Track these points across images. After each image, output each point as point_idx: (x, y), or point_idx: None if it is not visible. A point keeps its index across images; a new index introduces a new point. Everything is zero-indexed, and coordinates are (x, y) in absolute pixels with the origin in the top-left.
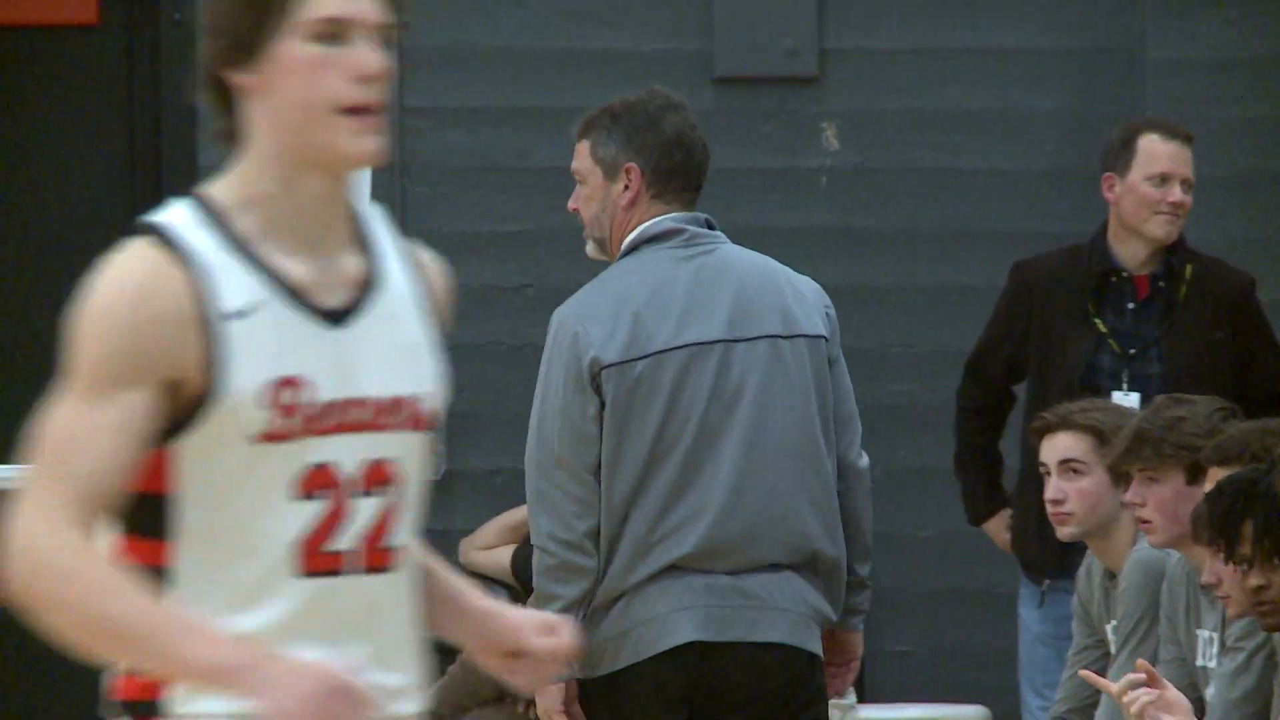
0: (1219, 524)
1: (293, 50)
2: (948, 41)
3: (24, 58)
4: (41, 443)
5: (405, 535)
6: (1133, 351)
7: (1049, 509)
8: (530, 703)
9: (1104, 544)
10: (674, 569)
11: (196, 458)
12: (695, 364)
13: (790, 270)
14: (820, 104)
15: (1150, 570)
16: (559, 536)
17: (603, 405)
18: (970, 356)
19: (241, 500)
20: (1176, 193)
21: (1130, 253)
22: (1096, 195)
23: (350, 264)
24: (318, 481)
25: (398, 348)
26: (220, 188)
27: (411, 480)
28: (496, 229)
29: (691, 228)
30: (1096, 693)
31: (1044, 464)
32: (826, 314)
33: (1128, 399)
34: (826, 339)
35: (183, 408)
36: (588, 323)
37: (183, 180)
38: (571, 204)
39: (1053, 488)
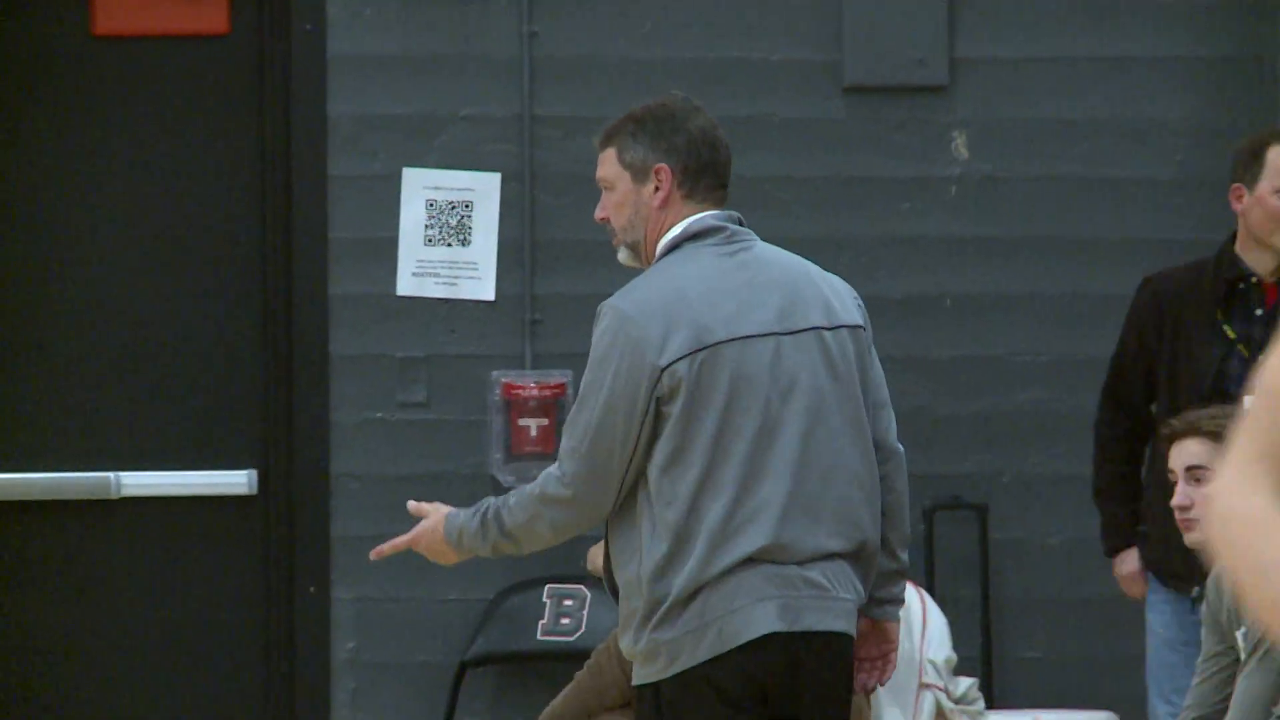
0: None
1: None
2: (1077, 50)
3: (155, 67)
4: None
5: None
6: (1261, 358)
7: (1176, 515)
8: None
9: None
10: (748, 561)
11: None
12: (752, 356)
13: (818, 267)
14: (950, 113)
15: None
16: (538, 527)
17: (658, 403)
18: (1106, 382)
19: None
20: None
21: (1258, 260)
22: (1225, 204)
23: None
24: None
25: None
26: None
27: None
28: None
29: (731, 225)
30: (1226, 699)
31: (1172, 470)
32: (859, 305)
33: None
34: (865, 329)
35: None
36: (646, 320)
37: (313, 190)
38: (599, 214)
39: (1179, 493)
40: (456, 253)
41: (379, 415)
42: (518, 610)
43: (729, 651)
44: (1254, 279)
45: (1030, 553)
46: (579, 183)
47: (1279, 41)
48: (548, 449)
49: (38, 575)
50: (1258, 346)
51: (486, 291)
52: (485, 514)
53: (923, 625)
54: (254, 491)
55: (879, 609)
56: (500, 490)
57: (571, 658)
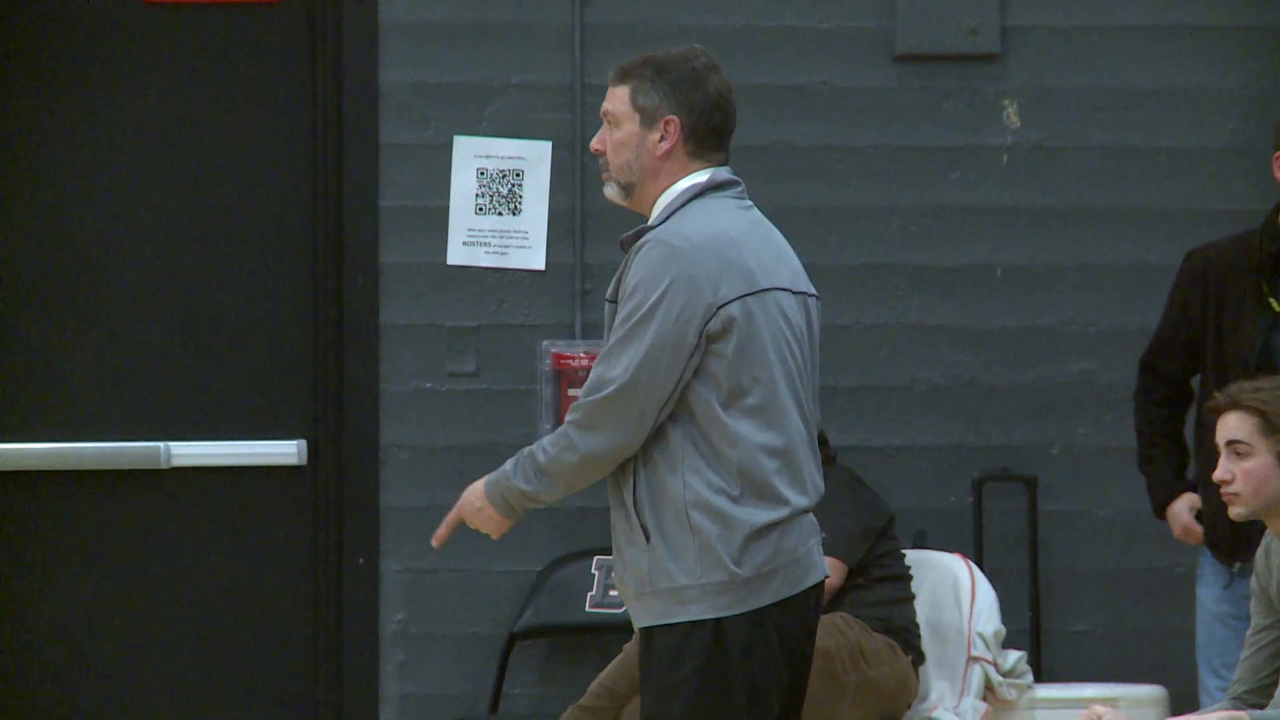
0: None
1: None
2: (1129, 18)
3: (207, 35)
4: None
5: None
6: None
7: (1221, 489)
8: None
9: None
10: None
11: None
12: (787, 306)
13: None
14: (1001, 82)
15: None
16: (592, 446)
17: (707, 340)
18: (1145, 353)
19: None
20: None
21: None
22: None
23: None
24: None
25: None
26: None
27: None
28: None
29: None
30: (1275, 672)
31: (1216, 444)
32: None
33: None
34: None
35: None
36: (700, 256)
37: (365, 158)
38: (595, 145)
39: (1220, 468)
40: (507, 222)
41: (429, 385)
42: (567, 582)
43: (794, 595)
44: None
45: (1079, 525)
46: None
47: None
48: None
49: (88, 544)
50: None
51: (537, 261)
52: (519, 457)
53: (971, 598)
54: (304, 462)
55: None
56: None
57: (620, 630)
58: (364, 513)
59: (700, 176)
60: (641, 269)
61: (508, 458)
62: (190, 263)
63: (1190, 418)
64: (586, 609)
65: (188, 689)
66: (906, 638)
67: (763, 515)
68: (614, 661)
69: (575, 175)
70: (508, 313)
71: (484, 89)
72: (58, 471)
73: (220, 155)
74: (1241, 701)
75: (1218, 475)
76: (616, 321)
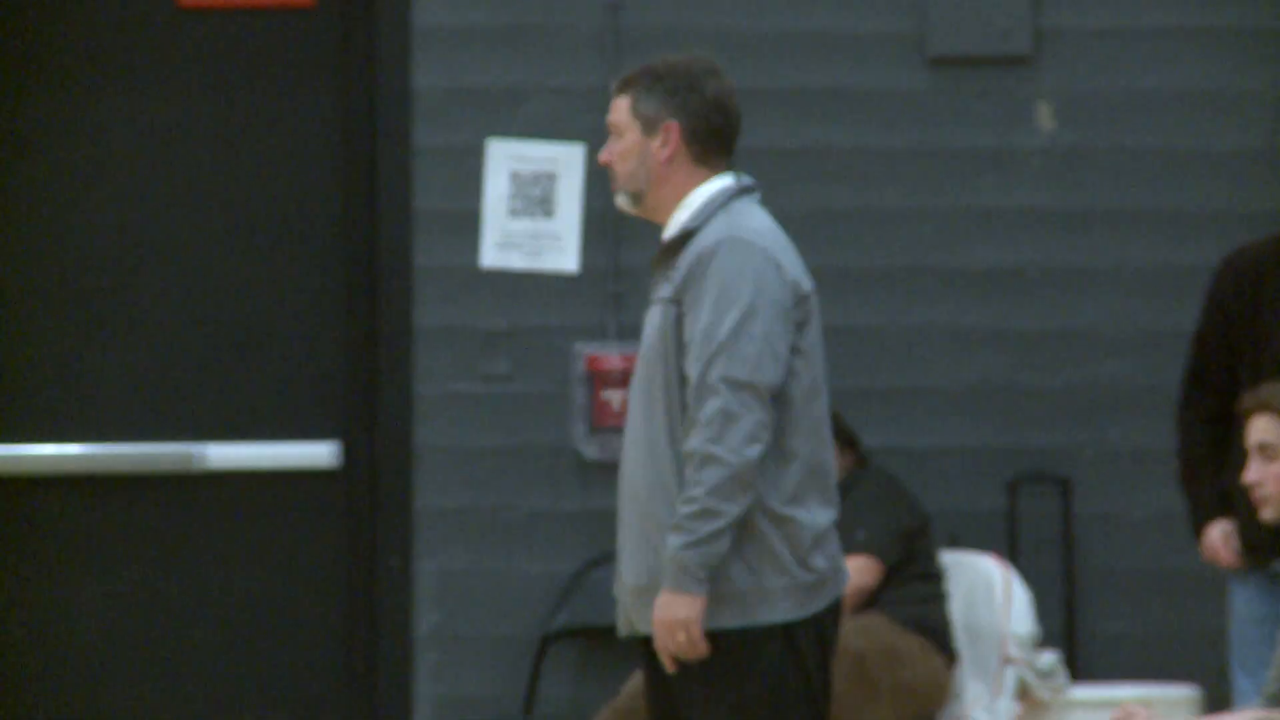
0: None
1: None
2: (1162, 20)
3: (240, 39)
4: None
5: None
6: None
7: (1252, 492)
8: None
9: None
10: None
11: None
12: (817, 307)
13: None
14: (1034, 84)
15: None
16: (739, 452)
17: (797, 332)
18: (1188, 365)
19: None
20: None
21: None
22: None
23: None
24: None
25: None
26: None
27: None
28: None
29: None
30: None
31: (1247, 446)
32: None
33: None
34: None
35: None
36: (776, 250)
37: (399, 162)
38: (604, 157)
39: (1250, 470)
40: (540, 224)
41: (462, 388)
42: (601, 583)
43: (837, 600)
44: None
45: (1114, 526)
46: None
47: None
48: None
49: (121, 548)
50: None
51: (570, 263)
52: (672, 533)
53: (1006, 599)
54: (338, 464)
55: None
56: (582, 462)
57: None
58: (398, 515)
59: (726, 179)
60: (727, 267)
61: (541, 460)
62: (224, 266)
63: None
64: None
65: (222, 691)
66: (940, 638)
67: (825, 516)
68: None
69: (608, 178)
70: (541, 315)
71: (517, 92)
72: (91, 475)
73: (254, 159)
74: (1275, 701)
75: (1248, 478)
76: (706, 322)
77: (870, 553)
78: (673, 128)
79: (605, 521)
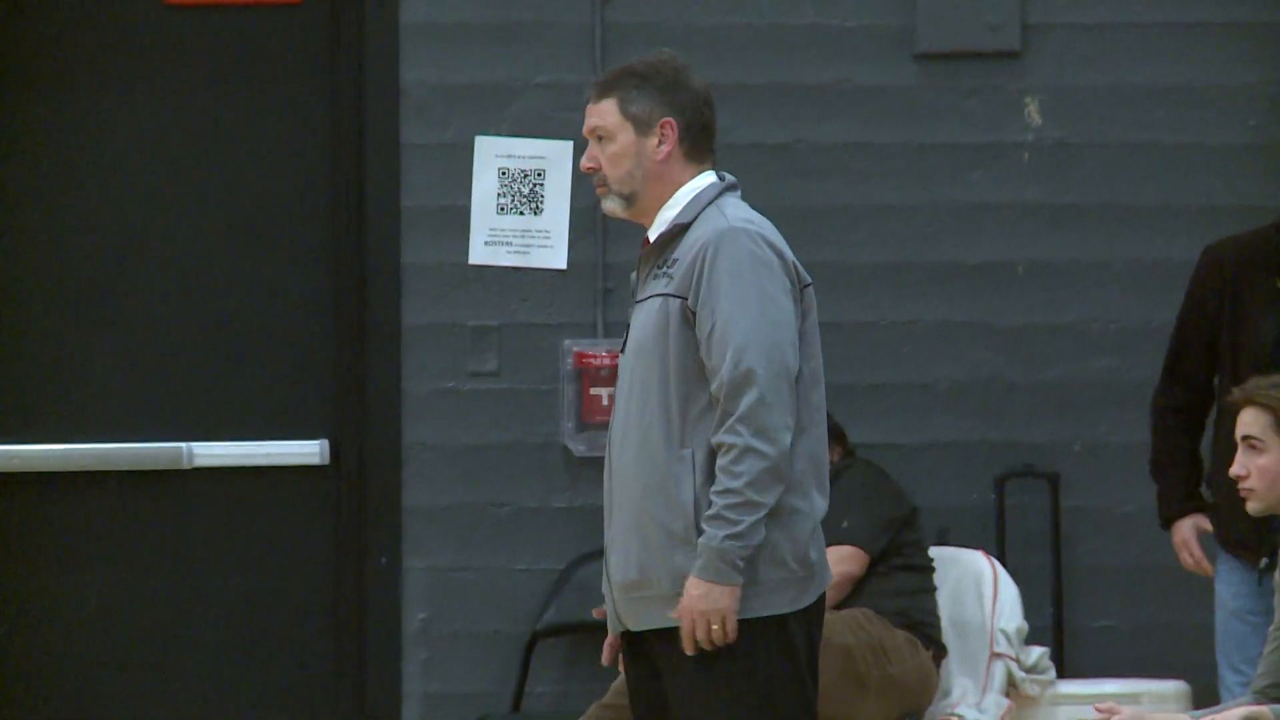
0: None
1: None
2: (1150, 15)
3: (228, 36)
4: None
5: None
6: None
7: (1237, 485)
8: None
9: None
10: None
11: None
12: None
13: None
14: (1023, 79)
15: None
16: (778, 442)
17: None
18: (1167, 356)
19: None
20: None
21: None
22: None
23: None
24: None
25: None
26: None
27: None
28: None
29: None
30: None
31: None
32: None
33: None
34: None
35: None
36: (777, 240)
37: (387, 159)
38: (586, 164)
39: (1236, 463)
40: (529, 221)
41: (451, 385)
42: (589, 580)
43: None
44: None
45: (1102, 521)
46: None
47: None
48: None
49: (111, 545)
50: None
51: (558, 260)
52: (709, 522)
53: (994, 594)
54: (326, 461)
55: None
56: (571, 458)
57: None
58: (386, 512)
59: (711, 176)
60: (736, 258)
61: (529, 457)
62: (212, 264)
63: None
64: None
65: (211, 688)
66: (927, 630)
67: (822, 505)
68: None
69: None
70: (529, 312)
71: (505, 89)
72: (81, 472)
73: (241, 156)
74: (1264, 696)
75: (1233, 470)
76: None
77: (855, 542)
78: (670, 124)
79: (594, 518)
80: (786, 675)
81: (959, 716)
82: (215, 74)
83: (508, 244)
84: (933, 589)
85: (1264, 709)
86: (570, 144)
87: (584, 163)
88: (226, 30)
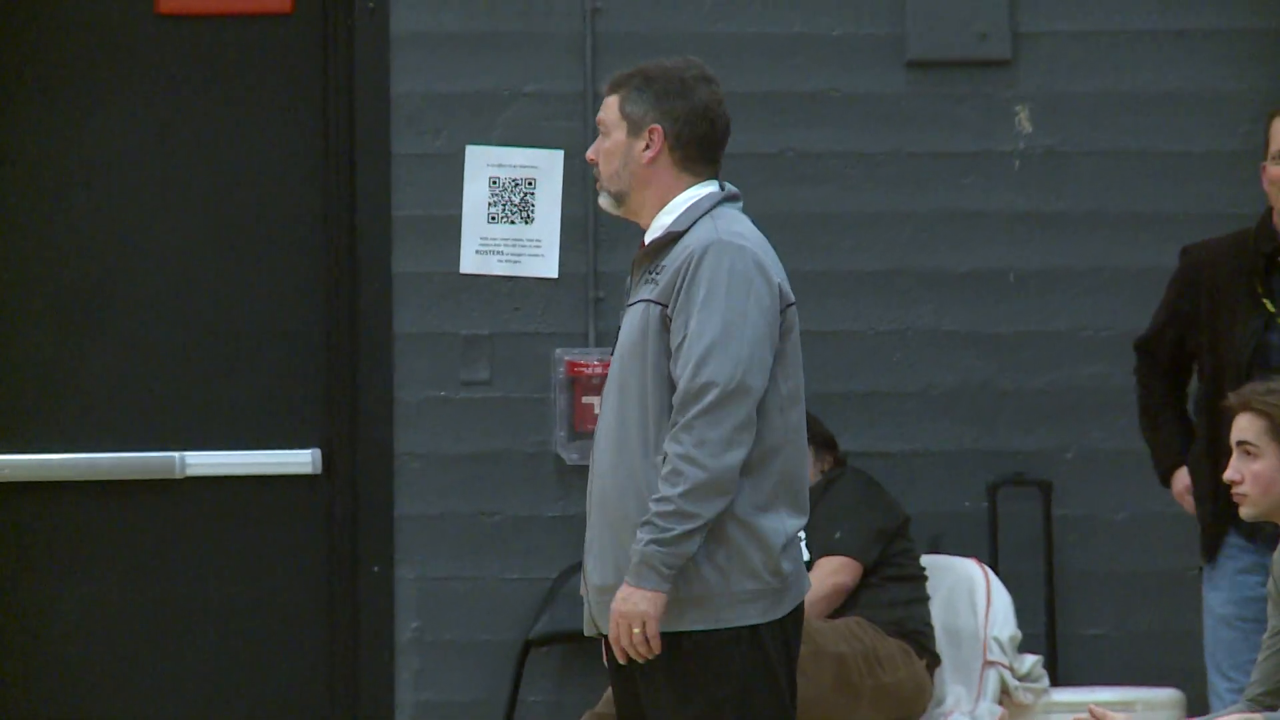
0: None
1: None
2: (1140, 23)
3: (219, 47)
4: None
5: None
6: None
7: (1231, 490)
8: None
9: None
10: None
11: None
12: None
13: None
14: (1013, 87)
15: None
16: (720, 456)
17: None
18: (1139, 339)
19: None
20: None
21: None
22: None
23: None
24: None
25: None
26: None
27: None
28: None
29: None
30: None
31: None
32: None
33: None
34: None
35: None
36: (764, 255)
37: (377, 168)
38: (590, 154)
39: (1231, 468)
40: (520, 230)
41: (442, 394)
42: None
43: (800, 604)
44: None
45: (1094, 529)
46: None
47: None
48: None
49: (103, 554)
50: None
51: (550, 269)
52: (642, 528)
53: (986, 602)
54: (318, 470)
55: None
56: (563, 467)
57: None
58: (378, 521)
59: (710, 186)
60: (716, 271)
61: (521, 466)
62: (203, 273)
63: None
64: None
65: (203, 698)
66: (921, 640)
67: (794, 524)
68: None
69: (588, 183)
70: (521, 321)
71: (495, 98)
72: (73, 482)
73: (233, 166)
74: (1257, 703)
75: (1228, 475)
76: (695, 326)
77: (848, 553)
78: (656, 131)
79: (585, 527)
80: (760, 686)
81: None
82: (207, 83)
83: (499, 253)
84: (926, 598)
85: (1257, 716)
86: (561, 153)
87: (588, 152)
88: (218, 40)
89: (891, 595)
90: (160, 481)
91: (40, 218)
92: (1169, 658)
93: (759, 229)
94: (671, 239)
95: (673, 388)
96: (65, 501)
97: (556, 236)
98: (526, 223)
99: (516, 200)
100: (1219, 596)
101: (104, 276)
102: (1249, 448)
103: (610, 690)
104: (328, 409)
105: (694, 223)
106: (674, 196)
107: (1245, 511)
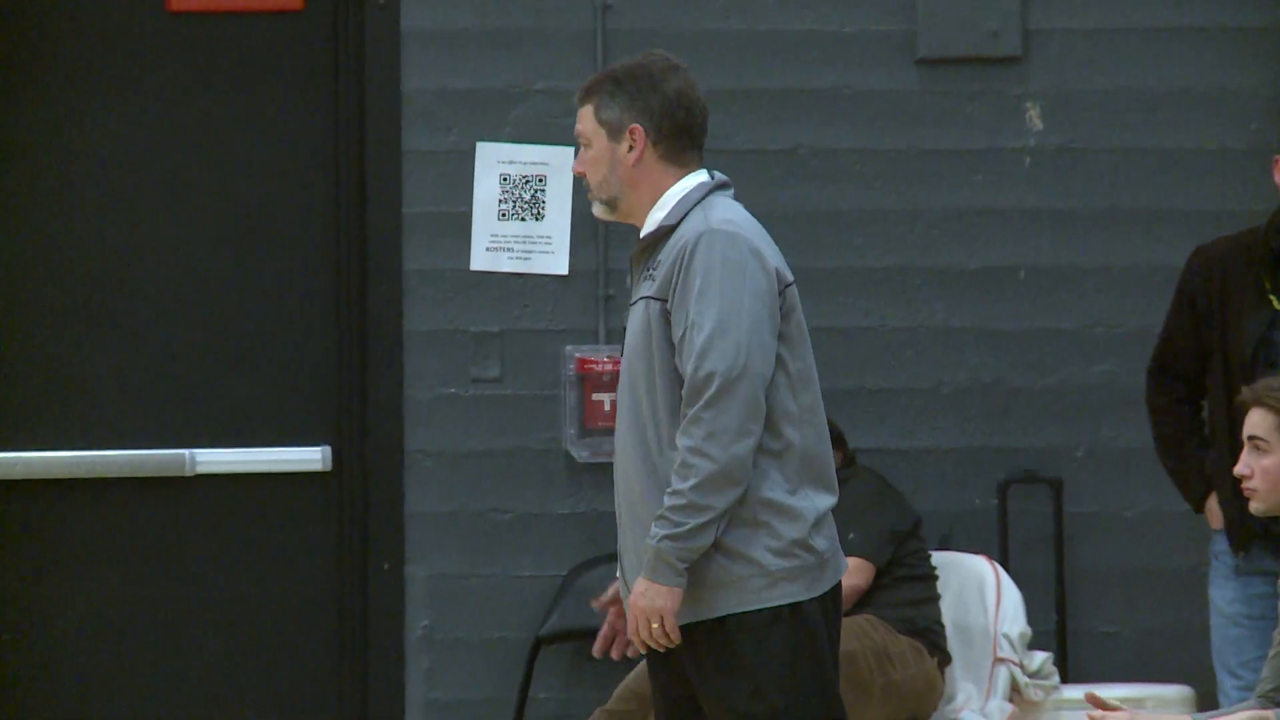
0: None
1: None
2: (1151, 20)
3: (230, 43)
4: None
5: None
6: None
7: (1241, 484)
8: None
9: None
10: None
11: None
12: (798, 298)
13: None
14: (1024, 84)
15: None
16: (729, 447)
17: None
18: (1153, 359)
19: None
20: None
21: None
22: None
23: None
24: None
25: None
26: None
27: None
28: None
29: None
30: None
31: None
32: None
33: None
34: None
35: None
36: (757, 240)
37: (388, 165)
38: (576, 168)
39: (1241, 462)
40: (530, 227)
41: (453, 391)
42: (592, 586)
43: (837, 583)
44: None
45: (1105, 526)
46: None
47: None
48: None
49: (113, 552)
50: None
51: (560, 266)
52: (657, 522)
53: (997, 600)
54: (328, 468)
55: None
56: (573, 464)
57: None
58: (389, 518)
59: (700, 176)
60: (709, 260)
61: (532, 463)
62: (214, 270)
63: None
64: None
65: (213, 695)
66: (932, 638)
67: (823, 501)
68: (640, 665)
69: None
70: (531, 318)
71: (506, 95)
72: (83, 479)
73: (244, 163)
74: (1269, 700)
75: (1238, 469)
76: (693, 317)
77: (862, 554)
78: (637, 130)
79: (596, 524)
80: (805, 663)
81: None
82: (217, 80)
83: (509, 250)
84: (937, 597)
85: (1269, 713)
86: (571, 150)
87: (574, 167)
88: (228, 37)
89: (903, 594)
90: (170, 479)
91: (51, 214)
92: (1179, 654)
93: (769, 226)
94: (665, 233)
95: (681, 381)
96: (75, 499)
97: (567, 233)
98: (537, 220)
99: (527, 197)
100: (1224, 595)
101: (114, 273)
102: (1260, 443)
103: (620, 688)
104: (338, 406)
105: (685, 214)
106: (664, 191)
107: (1255, 506)
